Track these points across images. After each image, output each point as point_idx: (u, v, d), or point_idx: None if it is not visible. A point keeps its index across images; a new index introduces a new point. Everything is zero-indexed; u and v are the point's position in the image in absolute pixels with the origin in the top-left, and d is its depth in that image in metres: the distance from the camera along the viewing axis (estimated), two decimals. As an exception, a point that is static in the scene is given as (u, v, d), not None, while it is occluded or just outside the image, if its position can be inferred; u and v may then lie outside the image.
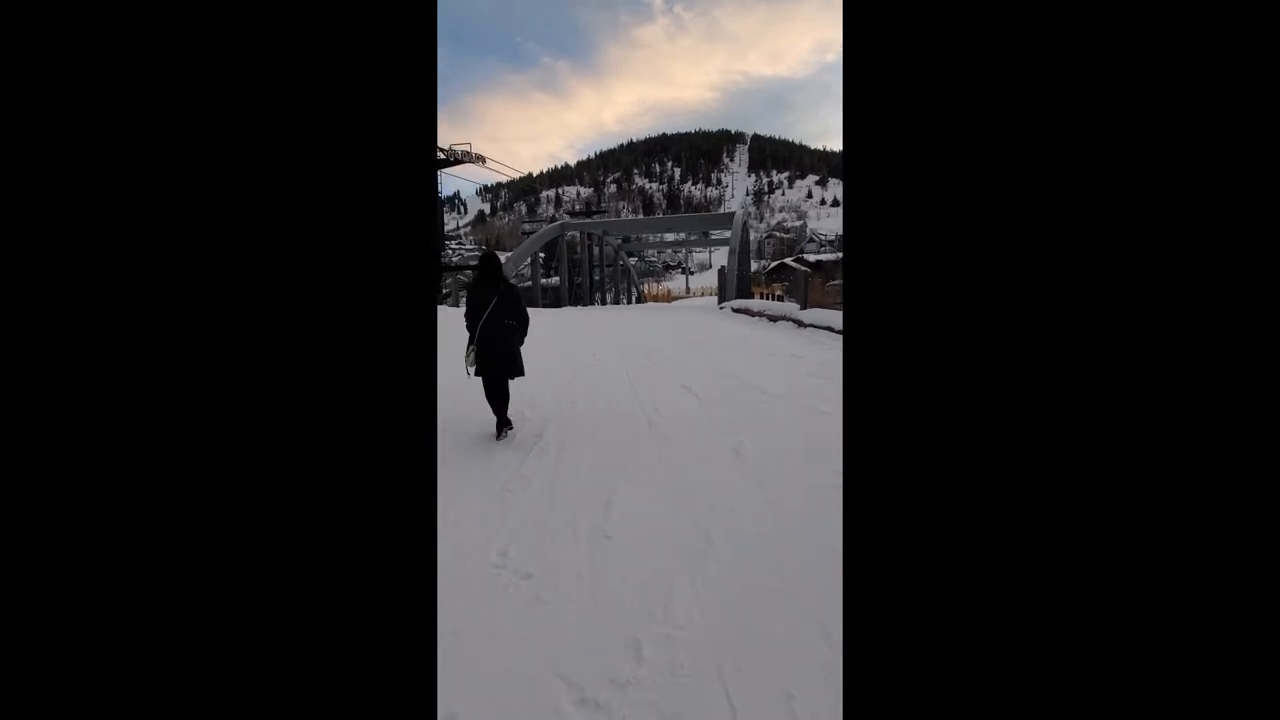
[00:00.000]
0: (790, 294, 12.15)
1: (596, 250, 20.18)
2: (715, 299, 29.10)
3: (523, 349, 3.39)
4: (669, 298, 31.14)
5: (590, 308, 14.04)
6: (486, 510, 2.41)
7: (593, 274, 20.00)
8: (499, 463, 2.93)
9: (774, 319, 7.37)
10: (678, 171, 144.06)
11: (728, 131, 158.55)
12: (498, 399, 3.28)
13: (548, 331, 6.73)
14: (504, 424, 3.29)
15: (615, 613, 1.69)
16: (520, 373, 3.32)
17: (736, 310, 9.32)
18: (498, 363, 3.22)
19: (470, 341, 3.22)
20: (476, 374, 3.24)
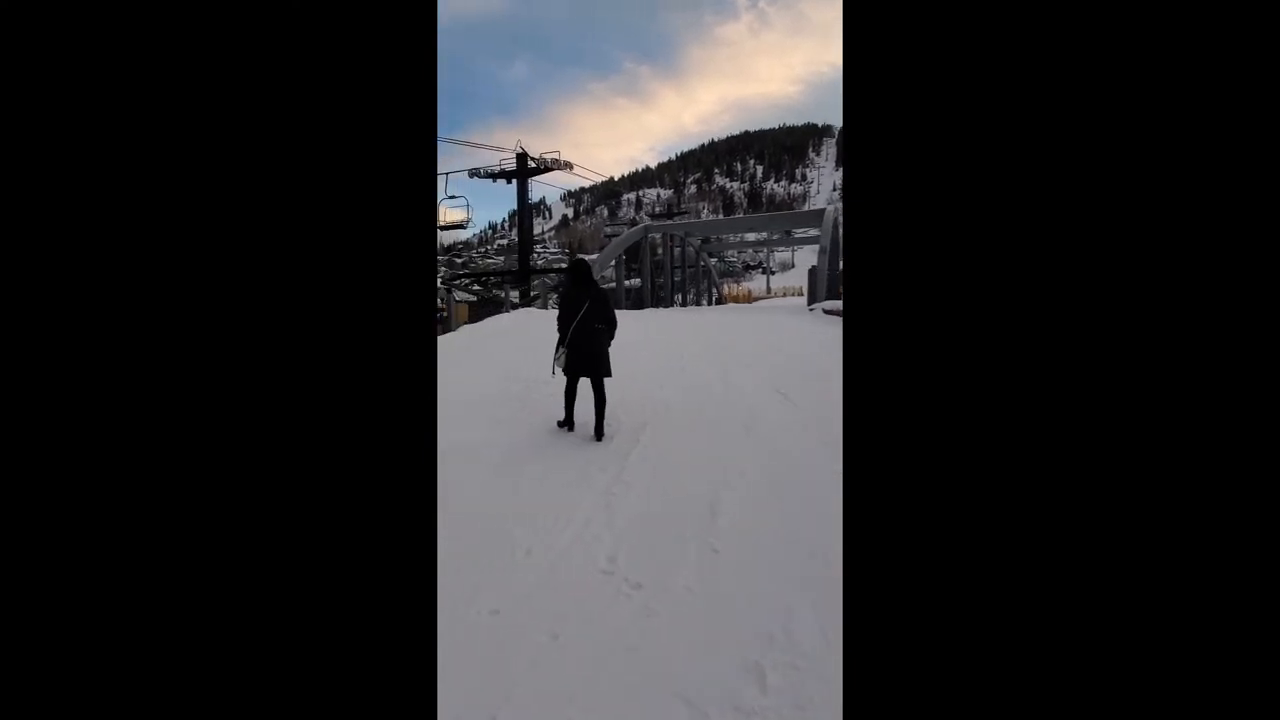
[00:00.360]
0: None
1: (677, 251, 20.17)
2: (800, 299, 28.37)
3: (613, 352, 3.47)
4: (749, 298, 30.47)
5: (671, 309, 14.05)
6: (593, 515, 2.44)
7: (673, 275, 20.01)
8: (598, 465, 2.97)
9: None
10: (760, 169, 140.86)
11: (814, 125, 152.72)
12: (574, 398, 3.42)
13: (635, 334, 6.78)
14: (598, 429, 3.35)
15: (731, 634, 1.63)
16: (608, 373, 3.40)
17: (828, 312, 8.90)
18: (587, 363, 3.31)
19: (560, 343, 3.34)
20: (565, 374, 3.36)
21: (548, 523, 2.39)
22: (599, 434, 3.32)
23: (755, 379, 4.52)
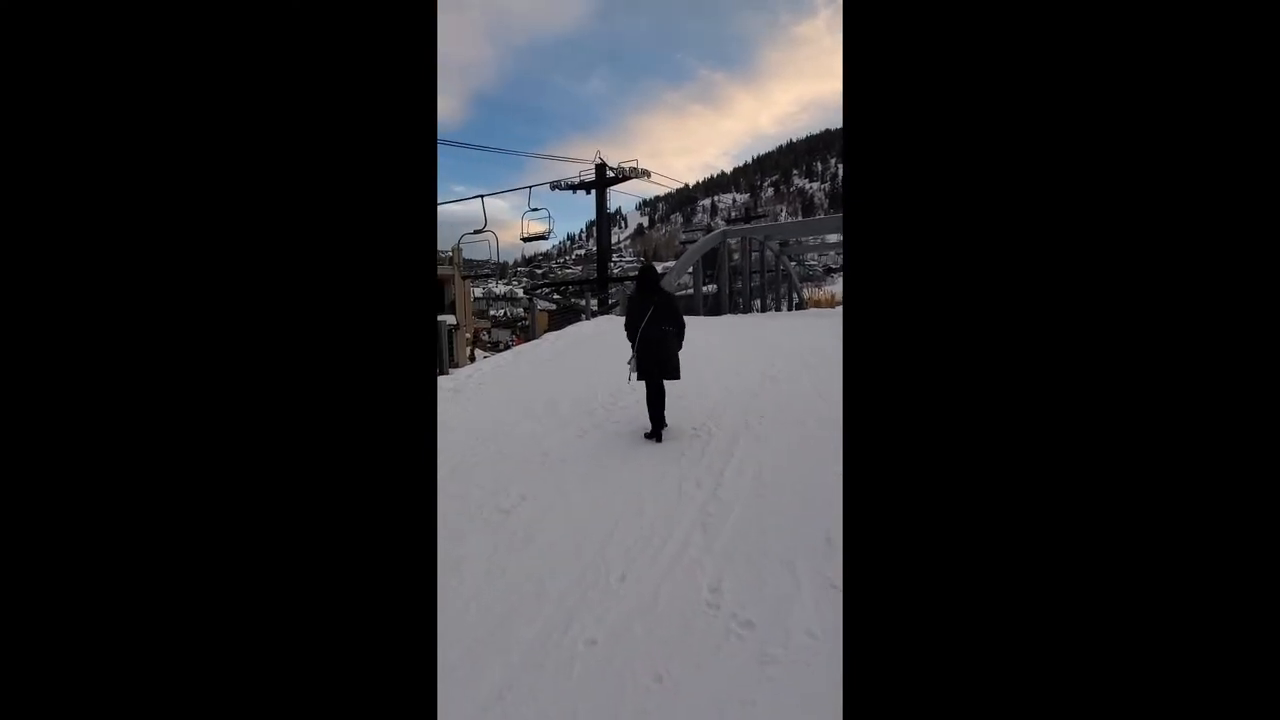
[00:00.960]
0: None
1: (755, 256, 19.65)
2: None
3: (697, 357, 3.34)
4: (832, 303, 29.13)
5: (751, 315, 13.64)
6: (691, 535, 2.25)
7: (751, 280, 19.50)
8: (692, 480, 2.77)
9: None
10: (841, 168, 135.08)
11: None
12: (657, 403, 3.39)
13: (716, 342, 6.53)
14: (656, 428, 3.36)
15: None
16: (676, 376, 3.45)
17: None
18: (656, 366, 3.37)
19: (633, 347, 3.43)
20: (638, 379, 3.41)
21: (641, 543, 2.23)
22: (657, 433, 3.35)
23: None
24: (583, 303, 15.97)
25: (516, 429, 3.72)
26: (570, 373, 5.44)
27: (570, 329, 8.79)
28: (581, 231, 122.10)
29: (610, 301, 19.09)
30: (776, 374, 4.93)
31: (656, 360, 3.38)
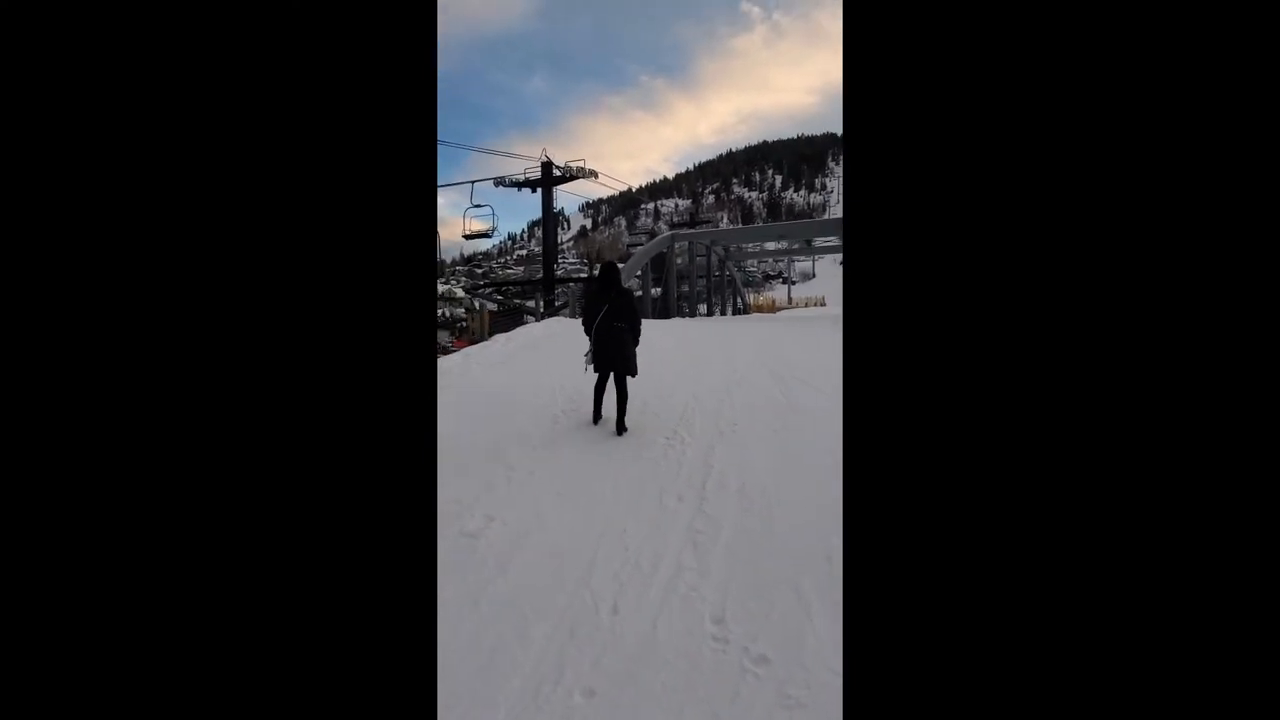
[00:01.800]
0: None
1: (700, 260, 19.87)
2: (825, 309, 27.81)
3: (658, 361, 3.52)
4: (774, 308, 30.03)
5: (698, 319, 13.70)
6: (683, 557, 2.08)
7: (696, 284, 19.70)
8: (673, 494, 2.61)
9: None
10: (779, 179, 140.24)
11: (833, 135, 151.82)
12: (602, 394, 3.62)
13: (674, 345, 6.42)
14: (620, 423, 3.48)
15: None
16: (633, 372, 3.57)
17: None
18: (613, 362, 3.52)
19: (590, 342, 3.59)
20: (595, 371, 3.60)
21: (630, 569, 2.03)
22: (620, 429, 3.46)
23: (825, 400, 4.13)
24: (531, 304, 15.50)
25: (475, 439, 3.42)
26: (525, 376, 5.14)
27: (520, 331, 8.42)
28: (523, 231, 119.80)
29: (557, 304, 18.67)
30: (740, 379, 4.86)
31: (609, 356, 3.52)
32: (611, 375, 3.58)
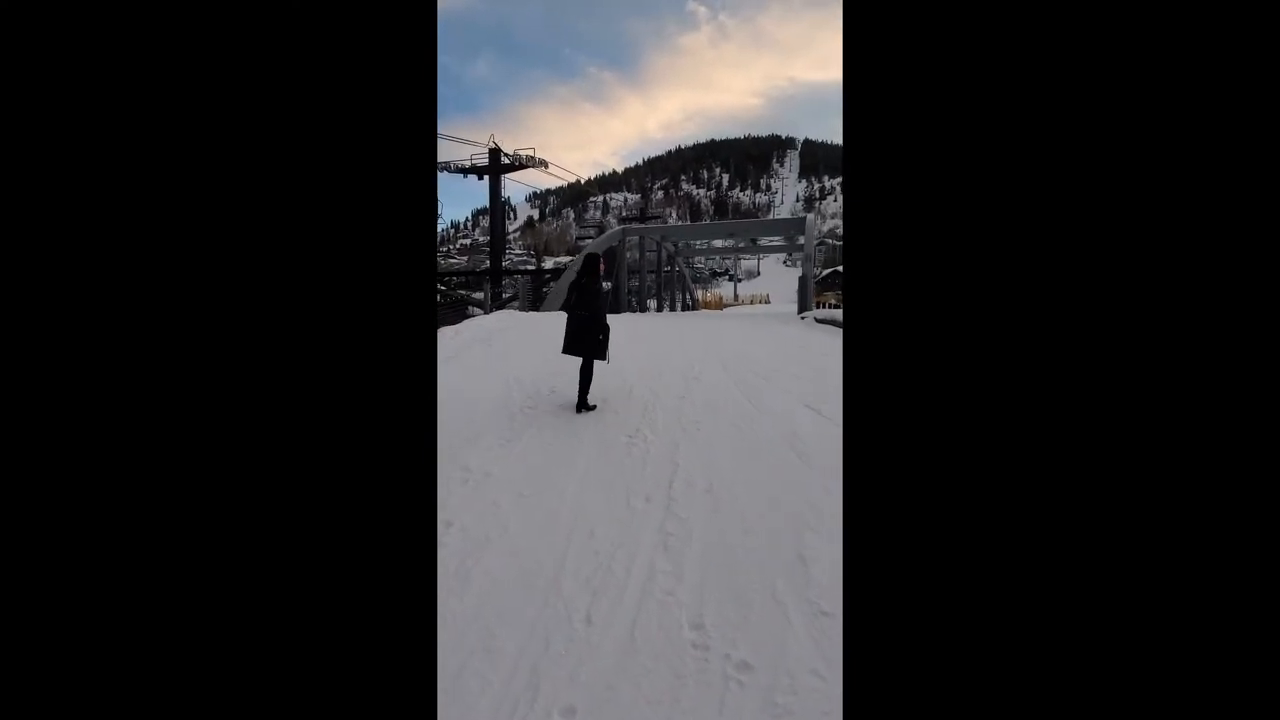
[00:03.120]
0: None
1: (650, 256, 19.89)
2: (768, 306, 28.52)
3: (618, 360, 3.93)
4: (721, 305, 30.50)
5: (649, 314, 13.70)
6: (655, 561, 2.02)
7: (646, 280, 19.71)
8: (641, 494, 2.54)
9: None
10: (726, 178, 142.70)
11: (778, 137, 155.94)
12: (582, 379, 3.85)
13: (631, 340, 6.37)
14: (580, 401, 3.80)
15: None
16: (600, 357, 3.84)
17: (821, 321, 8.70)
18: (578, 345, 3.82)
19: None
20: (564, 353, 3.89)
21: (601, 573, 1.95)
22: (580, 407, 3.77)
23: (783, 395, 4.19)
24: (478, 295, 14.98)
25: (426, 439, 3.22)
26: (476, 373, 4.93)
27: (469, 324, 8.09)
28: (467, 220, 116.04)
29: (505, 295, 18.16)
30: (698, 374, 4.87)
31: (579, 341, 3.81)
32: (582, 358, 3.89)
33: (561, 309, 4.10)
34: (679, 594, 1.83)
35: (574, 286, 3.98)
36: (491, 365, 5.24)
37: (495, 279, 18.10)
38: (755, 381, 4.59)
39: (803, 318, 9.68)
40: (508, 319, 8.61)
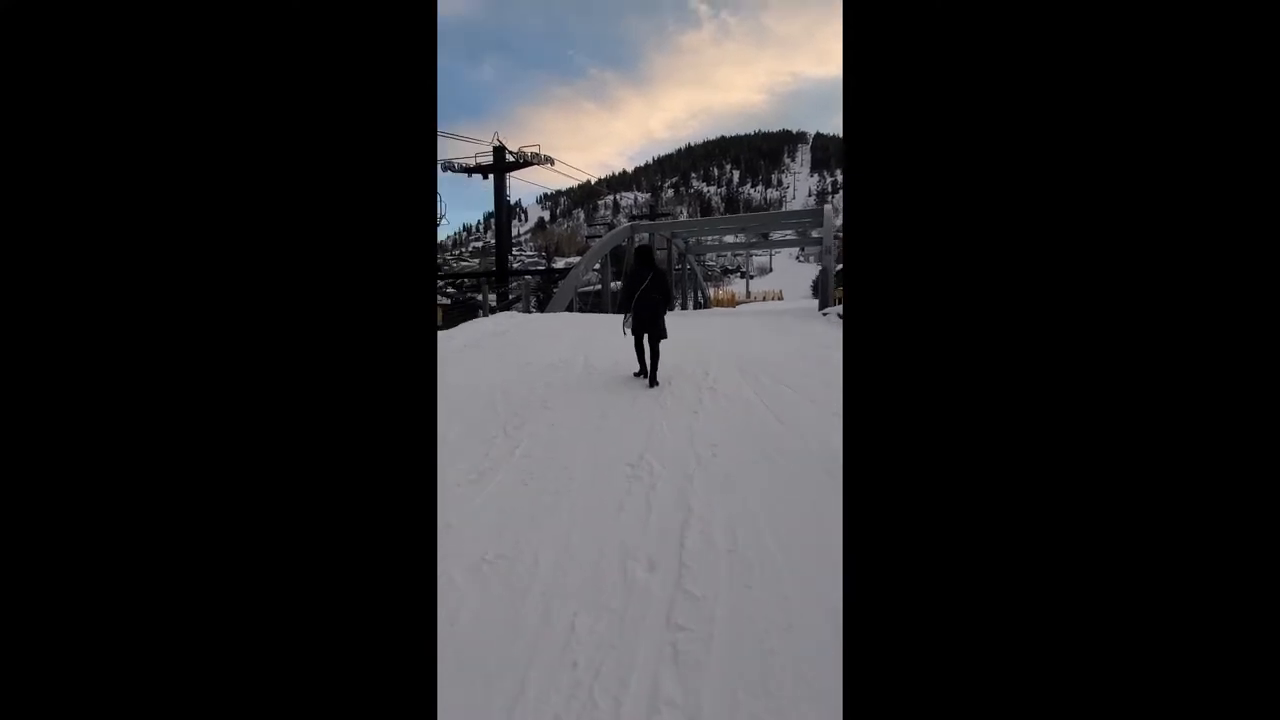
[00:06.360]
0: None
1: (660, 253, 19.28)
2: (782, 303, 27.78)
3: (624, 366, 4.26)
4: (734, 302, 29.84)
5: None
6: (660, 678, 1.37)
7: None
8: (645, 561, 1.90)
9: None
10: (736, 174, 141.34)
11: (788, 132, 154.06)
12: (643, 354, 4.38)
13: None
14: (652, 378, 4.22)
15: None
16: (664, 335, 4.31)
17: (843, 317, 7.99)
18: (647, 325, 4.27)
19: (626, 311, 4.34)
20: (631, 333, 4.37)
21: (581, 706, 1.31)
22: (652, 381, 4.19)
23: (807, 402, 3.51)
24: (479, 297, 14.47)
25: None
26: (457, 391, 4.32)
27: (464, 327, 7.52)
28: (479, 223, 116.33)
29: (511, 296, 17.62)
30: (714, 384, 4.21)
31: (647, 321, 4.25)
32: (646, 337, 4.31)
33: (625, 296, 4.43)
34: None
35: (632, 275, 4.43)
36: (472, 378, 4.64)
37: (501, 279, 17.57)
38: (778, 390, 3.92)
39: (825, 314, 8.93)
40: (507, 321, 8.01)
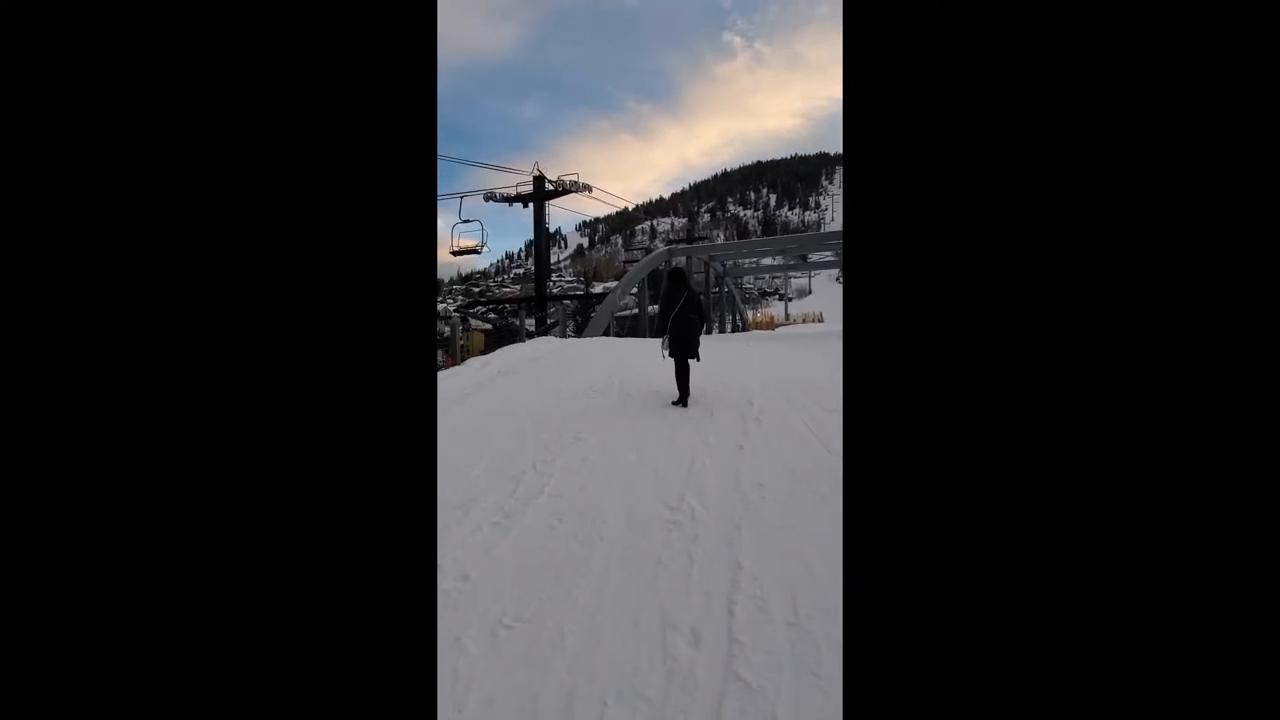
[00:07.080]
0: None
1: (699, 276, 19.07)
2: (825, 325, 27.00)
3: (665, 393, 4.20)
4: (773, 324, 29.27)
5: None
6: None
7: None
8: (686, 629, 1.61)
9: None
10: (773, 198, 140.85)
11: (825, 154, 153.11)
12: (684, 381, 4.30)
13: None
14: (685, 397, 4.26)
15: None
16: (697, 357, 4.36)
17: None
18: (682, 346, 4.30)
19: (663, 332, 4.38)
20: (670, 356, 4.36)
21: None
22: (683, 402, 4.22)
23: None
24: (517, 322, 14.55)
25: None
26: (488, 419, 4.16)
27: (500, 353, 7.44)
28: (520, 250, 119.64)
29: (550, 321, 17.71)
30: (759, 414, 3.89)
31: (682, 342, 4.28)
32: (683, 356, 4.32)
33: (662, 318, 4.45)
34: None
35: (667, 298, 4.46)
36: (504, 406, 4.47)
37: (540, 304, 17.71)
38: (828, 419, 3.57)
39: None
40: (544, 347, 7.91)
